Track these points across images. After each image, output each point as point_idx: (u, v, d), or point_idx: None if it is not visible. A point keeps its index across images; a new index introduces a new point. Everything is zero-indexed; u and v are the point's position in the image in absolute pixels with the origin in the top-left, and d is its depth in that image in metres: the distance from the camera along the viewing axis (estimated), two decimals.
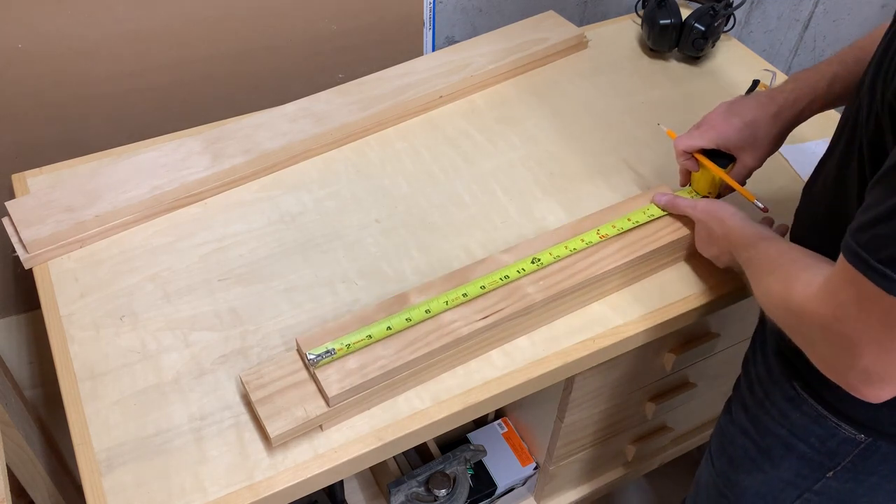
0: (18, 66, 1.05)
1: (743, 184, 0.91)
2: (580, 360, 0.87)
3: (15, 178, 1.03)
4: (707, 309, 0.93)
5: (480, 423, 1.30)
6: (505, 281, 0.85)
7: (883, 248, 0.52)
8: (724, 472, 0.88)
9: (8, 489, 0.81)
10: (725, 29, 1.28)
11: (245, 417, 0.79)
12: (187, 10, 1.11)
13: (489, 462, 1.25)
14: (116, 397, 0.80)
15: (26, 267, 0.92)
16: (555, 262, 0.87)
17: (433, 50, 1.35)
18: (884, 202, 0.51)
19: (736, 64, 1.28)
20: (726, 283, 0.93)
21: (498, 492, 1.24)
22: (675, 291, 0.93)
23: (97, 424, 0.78)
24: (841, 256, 0.56)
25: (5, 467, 0.84)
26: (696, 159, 0.91)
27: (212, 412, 0.79)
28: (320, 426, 0.78)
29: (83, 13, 1.04)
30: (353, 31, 1.24)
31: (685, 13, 1.25)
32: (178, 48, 1.14)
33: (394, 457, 1.16)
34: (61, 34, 1.05)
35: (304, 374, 0.78)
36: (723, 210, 0.84)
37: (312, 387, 0.77)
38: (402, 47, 1.30)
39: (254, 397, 0.76)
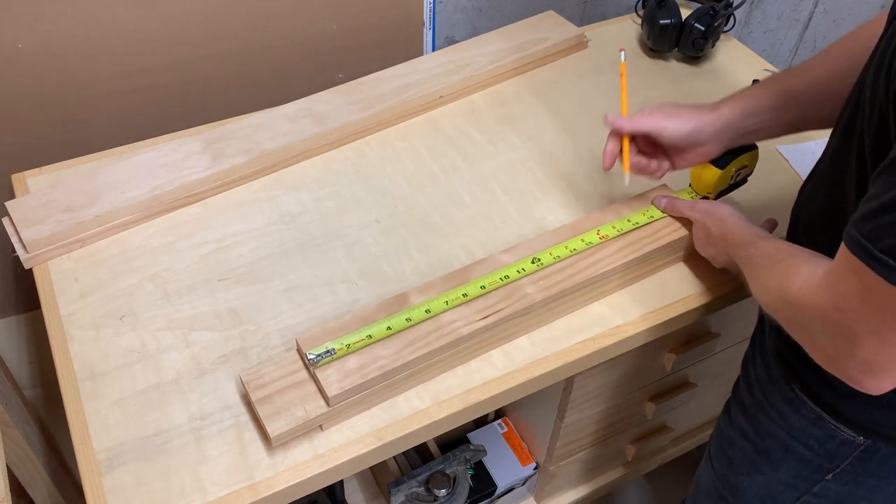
0: (18, 66, 1.05)
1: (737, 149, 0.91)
2: (580, 360, 0.87)
3: (15, 178, 1.03)
4: (707, 309, 0.93)
5: (480, 423, 1.30)
6: (505, 281, 0.85)
7: (885, 237, 0.52)
8: (723, 474, 0.88)
9: (8, 489, 0.81)
10: (725, 29, 1.28)
11: (245, 417, 0.79)
12: (187, 10, 1.11)
13: (489, 462, 1.25)
14: (116, 397, 0.80)
15: (26, 267, 0.92)
16: (555, 263, 0.87)
17: (433, 50, 1.35)
18: (887, 192, 0.51)
19: (736, 64, 1.28)
20: (726, 283, 0.93)
21: (498, 492, 1.24)
22: (675, 291, 0.93)
23: (97, 424, 0.78)
24: (842, 246, 0.56)
25: (5, 467, 0.84)
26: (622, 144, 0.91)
27: (212, 412, 0.79)
28: (320, 426, 0.78)
29: (83, 13, 1.04)
30: (353, 31, 1.24)
31: (685, 13, 1.25)
32: (178, 48, 1.14)
33: (394, 457, 1.16)
34: (61, 34, 1.05)
35: (304, 374, 0.78)
36: (720, 210, 0.84)
37: (312, 387, 0.77)
38: (402, 47, 1.30)
39: (254, 397, 0.76)
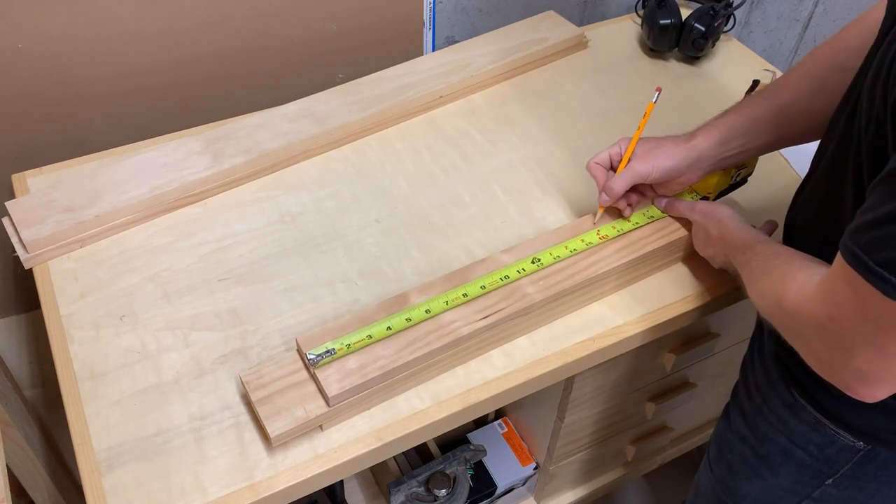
0: (18, 66, 1.05)
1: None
2: (580, 360, 0.87)
3: (15, 178, 1.03)
4: (707, 309, 0.93)
5: (480, 423, 1.30)
6: (505, 281, 0.85)
7: (882, 250, 0.52)
8: (722, 479, 0.88)
9: (8, 489, 0.81)
10: (725, 29, 1.28)
11: (245, 417, 0.79)
12: (187, 10, 1.11)
13: (489, 462, 1.25)
14: (116, 397, 0.80)
15: (26, 267, 0.92)
16: (555, 263, 0.87)
17: (433, 50, 1.35)
18: (885, 205, 0.51)
19: (736, 64, 1.28)
20: (726, 283, 0.93)
21: (498, 492, 1.24)
22: (675, 291, 0.93)
23: (97, 424, 0.78)
24: (838, 256, 0.56)
25: (5, 467, 0.84)
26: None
27: (212, 412, 0.79)
28: (320, 426, 0.78)
29: (83, 13, 1.04)
30: (353, 31, 1.24)
31: (685, 13, 1.25)
32: (178, 48, 1.14)
33: (394, 457, 1.16)
34: (61, 34, 1.05)
35: (304, 374, 0.78)
36: (720, 212, 0.85)
37: (312, 387, 0.77)
38: (402, 47, 1.30)
39: (254, 397, 0.76)
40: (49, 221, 0.93)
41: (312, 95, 1.12)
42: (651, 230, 0.92)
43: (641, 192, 0.92)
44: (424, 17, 1.30)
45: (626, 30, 1.34)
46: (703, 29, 1.22)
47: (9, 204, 0.95)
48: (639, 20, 1.31)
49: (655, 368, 1.06)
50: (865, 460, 0.71)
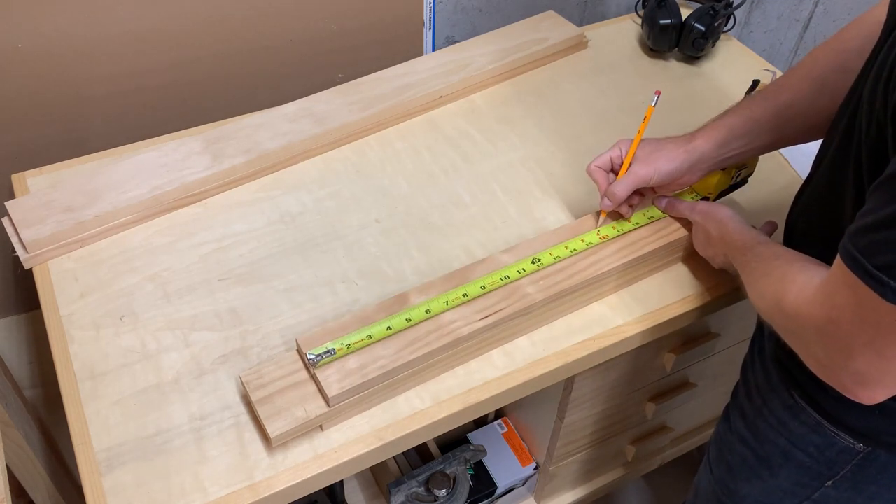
0: (18, 66, 1.05)
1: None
2: (580, 360, 0.87)
3: (15, 178, 1.03)
4: (707, 309, 0.93)
5: (480, 423, 1.30)
6: (505, 281, 0.85)
7: (881, 253, 0.52)
8: (722, 480, 0.88)
9: (8, 489, 0.81)
10: (725, 29, 1.28)
11: (245, 417, 0.79)
12: (187, 10, 1.11)
13: (489, 462, 1.25)
14: (116, 397, 0.80)
15: (26, 267, 0.92)
16: (555, 263, 0.87)
17: (433, 50, 1.35)
18: (884, 208, 0.51)
19: (736, 64, 1.28)
20: (726, 283, 0.93)
21: (498, 492, 1.24)
22: (675, 292, 0.93)
23: (97, 424, 0.78)
24: (838, 259, 0.56)
25: (5, 467, 0.84)
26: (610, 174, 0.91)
27: (212, 412, 0.79)
28: (320, 426, 0.78)
29: (83, 13, 1.04)
30: (353, 31, 1.24)
31: (685, 13, 1.25)
32: (178, 48, 1.14)
33: (394, 457, 1.16)
34: (61, 34, 1.05)
35: (304, 374, 0.78)
36: (720, 212, 0.85)
37: (312, 387, 0.77)
38: (402, 47, 1.30)
39: (254, 397, 0.76)
40: (49, 221, 0.93)
41: (312, 95, 1.12)
42: (651, 230, 0.92)
43: (641, 192, 0.92)
44: (424, 17, 1.30)
45: (626, 30, 1.34)
46: (703, 29, 1.22)
47: (9, 204, 0.95)
48: (639, 20, 1.31)
49: (655, 368, 1.06)
50: (865, 462, 0.71)
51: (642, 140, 0.89)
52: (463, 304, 0.83)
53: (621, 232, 0.91)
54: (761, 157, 0.95)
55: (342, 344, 0.78)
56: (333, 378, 0.76)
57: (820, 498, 0.77)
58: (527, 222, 1.00)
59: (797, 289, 0.63)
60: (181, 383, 0.82)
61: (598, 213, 0.92)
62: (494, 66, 1.19)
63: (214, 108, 1.20)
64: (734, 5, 1.26)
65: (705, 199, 0.93)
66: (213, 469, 0.75)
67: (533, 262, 0.86)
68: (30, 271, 0.92)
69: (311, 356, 0.76)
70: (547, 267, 0.87)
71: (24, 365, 1.31)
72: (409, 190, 1.04)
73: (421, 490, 1.17)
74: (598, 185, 0.90)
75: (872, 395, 0.58)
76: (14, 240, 0.92)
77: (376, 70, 1.17)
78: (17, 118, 1.09)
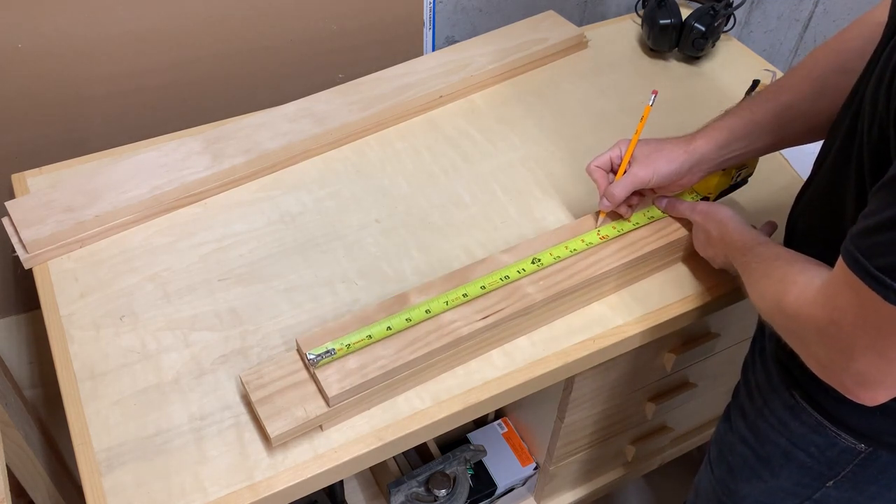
0: (18, 66, 1.05)
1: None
2: (580, 360, 0.87)
3: (15, 178, 1.03)
4: (707, 309, 0.93)
5: (480, 423, 1.30)
6: (505, 281, 0.85)
7: (883, 255, 0.52)
8: (723, 480, 0.88)
9: (8, 489, 0.81)
10: (725, 29, 1.28)
11: (245, 417, 0.79)
12: (187, 10, 1.11)
13: (489, 462, 1.25)
14: (116, 397, 0.80)
15: (26, 267, 0.92)
16: (555, 263, 0.87)
17: (433, 50, 1.35)
18: (886, 209, 0.51)
19: (736, 64, 1.28)
20: (726, 283, 0.93)
21: (498, 492, 1.24)
22: (675, 291, 0.93)
23: (97, 424, 0.78)
24: (840, 261, 0.56)
25: (5, 467, 0.84)
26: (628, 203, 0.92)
27: (212, 412, 0.79)
28: (320, 426, 0.78)
29: (83, 13, 1.04)
30: (353, 31, 1.24)
31: (685, 13, 1.25)
32: (178, 48, 1.14)
33: (394, 457, 1.16)
34: (61, 34, 1.05)
35: (304, 374, 0.78)
36: (720, 213, 0.85)
37: (312, 387, 0.77)
38: (402, 47, 1.30)
39: (254, 397, 0.76)
40: (49, 221, 0.93)
41: (312, 95, 1.12)
42: (651, 230, 0.92)
43: (641, 193, 0.92)
44: (424, 17, 1.30)
45: (626, 30, 1.34)
46: (703, 29, 1.22)
47: (9, 204, 0.95)
48: (639, 20, 1.31)
49: (655, 368, 1.06)
50: (866, 462, 0.71)
51: (641, 140, 0.89)
52: (463, 304, 0.83)
53: (621, 232, 0.91)
54: (762, 158, 0.95)
55: (342, 344, 0.78)
56: (333, 378, 0.76)
57: (821, 498, 0.77)
58: (527, 222, 1.00)
59: (798, 290, 0.63)
60: (181, 383, 0.82)
61: (598, 213, 0.92)
62: (494, 66, 1.19)
63: (214, 108, 1.20)
64: (734, 5, 1.26)
65: (705, 199, 0.93)
66: (213, 469, 0.75)
67: (533, 262, 0.86)
68: (30, 271, 0.92)
69: (312, 356, 0.76)
70: (547, 267, 0.87)
71: (24, 365, 1.31)
72: (409, 190, 1.04)
73: (421, 490, 1.17)
74: (598, 185, 0.90)
75: (874, 397, 0.58)
76: (14, 240, 0.92)
77: (376, 70, 1.17)
78: (17, 118, 1.09)
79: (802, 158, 1.09)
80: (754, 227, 0.83)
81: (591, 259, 0.88)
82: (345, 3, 1.21)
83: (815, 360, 0.62)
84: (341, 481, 1.15)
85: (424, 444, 1.24)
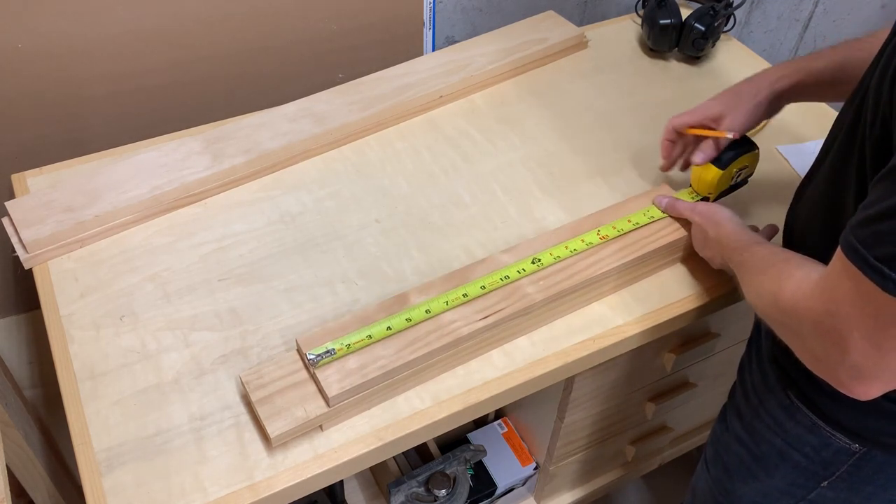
0: (18, 66, 1.05)
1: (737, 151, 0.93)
2: (580, 360, 0.87)
3: (15, 178, 1.03)
4: (706, 309, 0.93)
5: (480, 423, 1.30)
6: (505, 281, 0.85)
7: (882, 244, 0.52)
8: (719, 480, 0.88)
9: (8, 489, 0.81)
10: (725, 29, 1.28)
11: (245, 417, 0.79)
12: (187, 10, 1.11)
13: (489, 462, 1.25)
14: (116, 397, 0.80)
15: (26, 267, 0.92)
16: (555, 263, 0.87)
17: (433, 50, 1.35)
18: (886, 199, 0.51)
19: (736, 64, 1.28)
20: (725, 283, 0.93)
21: (498, 492, 1.24)
22: (675, 292, 0.93)
23: (97, 424, 0.78)
24: (839, 251, 0.56)
25: (5, 467, 0.84)
26: (681, 140, 0.95)
27: (212, 412, 0.79)
28: (320, 426, 0.78)
29: (83, 13, 1.04)
30: (353, 31, 1.24)
31: (685, 13, 1.25)
32: (178, 48, 1.14)
33: (394, 457, 1.16)
34: (61, 34, 1.05)
35: (304, 374, 0.78)
36: (719, 214, 0.85)
37: (312, 387, 0.77)
38: (402, 47, 1.30)
39: (254, 397, 0.76)
40: (49, 221, 0.93)
41: (312, 95, 1.12)
42: (651, 230, 0.92)
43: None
44: (424, 17, 1.30)
45: (626, 30, 1.34)
46: (703, 29, 1.22)
47: (9, 204, 0.95)
48: (639, 20, 1.31)
49: (655, 368, 1.06)
50: (861, 462, 0.71)
51: (716, 98, 0.91)
52: (463, 304, 0.83)
53: (621, 232, 0.91)
54: (761, 157, 0.95)
55: (342, 344, 0.78)
56: (333, 378, 0.76)
57: (816, 498, 0.77)
58: (527, 222, 1.00)
59: (794, 284, 0.63)
60: (181, 383, 0.82)
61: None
62: (494, 66, 1.19)
63: (214, 108, 1.20)
64: (734, 5, 1.26)
65: (705, 199, 0.93)
66: (213, 469, 0.75)
67: (533, 262, 0.86)
68: (30, 271, 0.92)
69: (311, 356, 0.76)
70: (547, 267, 0.87)
71: (24, 365, 1.31)
72: (409, 190, 1.04)
73: (421, 490, 1.17)
74: (663, 148, 0.95)
75: (868, 390, 0.58)
76: (14, 240, 0.92)
77: (376, 70, 1.17)
78: (17, 118, 1.09)
79: (802, 157, 1.09)
80: (756, 229, 0.83)
81: (591, 259, 0.88)
82: (345, 3, 1.21)
83: (810, 355, 0.62)
84: (341, 481, 1.15)
85: (424, 444, 1.24)
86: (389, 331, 0.80)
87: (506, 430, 1.28)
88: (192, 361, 0.84)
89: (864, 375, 0.57)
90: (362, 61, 1.26)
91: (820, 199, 0.72)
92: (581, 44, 1.28)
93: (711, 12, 1.23)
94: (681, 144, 0.96)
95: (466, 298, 0.83)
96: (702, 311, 0.92)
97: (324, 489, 1.13)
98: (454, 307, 0.83)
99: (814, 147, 1.11)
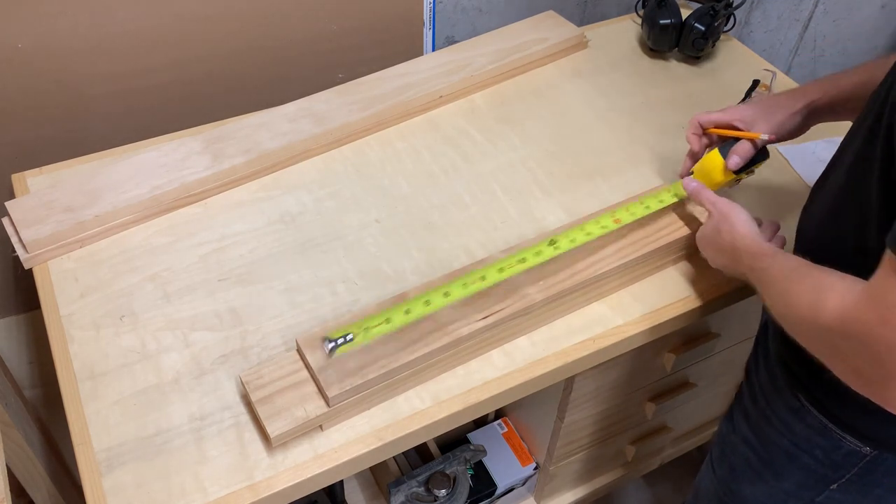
0: (18, 66, 1.05)
1: (753, 156, 0.91)
2: (580, 360, 0.87)
3: (15, 178, 1.03)
4: (707, 309, 0.93)
5: (480, 423, 1.30)
6: (523, 264, 0.83)
7: None
8: (724, 481, 0.88)
9: (8, 489, 0.81)
10: (725, 29, 1.28)
11: (245, 417, 0.79)
12: (187, 10, 1.11)
13: (489, 462, 1.25)
14: (116, 397, 0.80)
15: (26, 267, 0.92)
16: (555, 261, 0.87)
17: (433, 50, 1.35)
18: None
19: (736, 64, 1.28)
20: (726, 283, 0.93)
21: (498, 492, 1.24)
22: (675, 291, 0.93)
23: (97, 424, 0.78)
24: (886, 256, 0.53)
25: (5, 467, 0.84)
26: (704, 138, 0.94)
27: (212, 412, 0.79)
28: (320, 426, 0.78)
29: (83, 13, 1.04)
30: (353, 31, 1.24)
31: (685, 13, 1.25)
32: (178, 48, 1.14)
33: (394, 457, 1.16)
34: (61, 34, 1.05)
35: (304, 374, 0.78)
36: (736, 215, 0.81)
37: (312, 387, 0.77)
38: (402, 47, 1.30)
39: (254, 397, 0.76)
40: (49, 221, 0.92)
41: (312, 95, 1.12)
42: (651, 230, 0.92)
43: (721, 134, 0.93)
44: (424, 17, 1.30)
45: (626, 30, 1.34)
46: (703, 29, 1.22)
47: (9, 204, 0.95)
48: (639, 20, 1.31)
49: (655, 368, 1.06)
50: (871, 465, 0.71)
51: (747, 105, 0.90)
52: (463, 304, 0.83)
53: (635, 216, 0.89)
54: None
55: (361, 328, 0.76)
56: (333, 378, 0.76)
57: (824, 500, 0.76)
58: (527, 222, 1.00)
59: (838, 295, 0.57)
60: (181, 383, 0.82)
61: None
62: (494, 66, 1.19)
63: (214, 108, 1.20)
64: (734, 5, 1.26)
65: (724, 199, 0.91)
66: (213, 469, 0.75)
67: (550, 244, 0.85)
68: (30, 271, 0.92)
69: (330, 344, 0.75)
70: (547, 267, 0.87)
71: (24, 365, 1.31)
72: (409, 190, 1.04)
73: (421, 490, 1.17)
74: (691, 142, 0.93)
75: None
76: (14, 240, 0.92)
77: (376, 70, 1.17)
78: (17, 118, 1.09)
79: (802, 158, 1.09)
80: (759, 223, 0.81)
81: (591, 259, 0.88)
82: (345, 3, 1.21)
83: (855, 373, 0.57)
84: (341, 481, 1.15)
85: (424, 444, 1.24)
86: (390, 324, 0.78)
87: (506, 430, 1.28)
88: (192, 361, 0.84)
89: None
90: (362, 61, 1.26)
91: (835, 203, 0.70)
92: (581, 44, 1.28)
93: (711, 12, 1.23)
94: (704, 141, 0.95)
95: (466, 291, 0.81)
96: (702, 311, 0.92)
97: (324, 489, 1.12)
98: (457, 299, 0.81)
99: (814, 147, 1.11)
